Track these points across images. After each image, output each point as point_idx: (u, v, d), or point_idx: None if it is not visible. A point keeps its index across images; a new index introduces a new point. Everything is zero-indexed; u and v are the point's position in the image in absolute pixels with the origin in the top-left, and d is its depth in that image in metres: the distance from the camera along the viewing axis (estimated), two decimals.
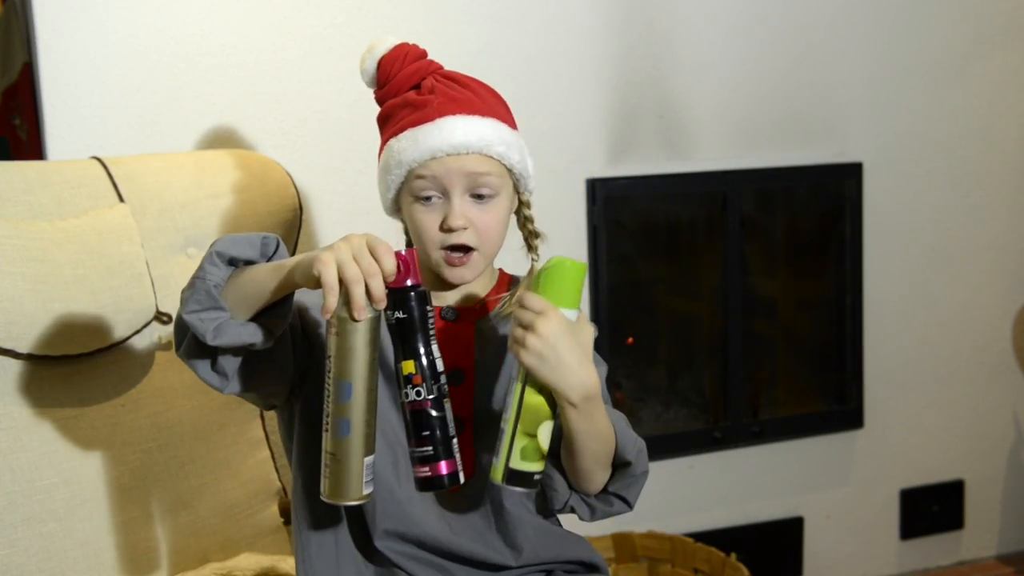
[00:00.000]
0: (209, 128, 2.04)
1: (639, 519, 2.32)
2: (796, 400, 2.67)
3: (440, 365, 1.13)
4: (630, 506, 1.33)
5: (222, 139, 2.03)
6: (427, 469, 1.11)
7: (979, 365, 2.78)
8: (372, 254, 1.10)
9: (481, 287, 1.37)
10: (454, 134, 1.28)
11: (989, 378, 2.79)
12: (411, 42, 1.37)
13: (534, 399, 1.18)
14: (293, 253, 1.85)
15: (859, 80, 2.56)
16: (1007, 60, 2.70)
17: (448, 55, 2.22)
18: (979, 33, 2.66)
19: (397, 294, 1.10)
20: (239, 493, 1.73)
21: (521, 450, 1.17)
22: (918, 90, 2.62)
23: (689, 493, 2.52)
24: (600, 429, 1.23)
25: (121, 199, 1.67)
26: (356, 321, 1.08)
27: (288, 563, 1.64)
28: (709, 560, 2.11)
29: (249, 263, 1.21)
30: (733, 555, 2.07)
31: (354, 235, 1.13)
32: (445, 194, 1.29)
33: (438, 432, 1.11)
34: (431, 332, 1.12)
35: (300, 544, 1.33)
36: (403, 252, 1.12)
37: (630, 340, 2.50)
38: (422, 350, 1.11)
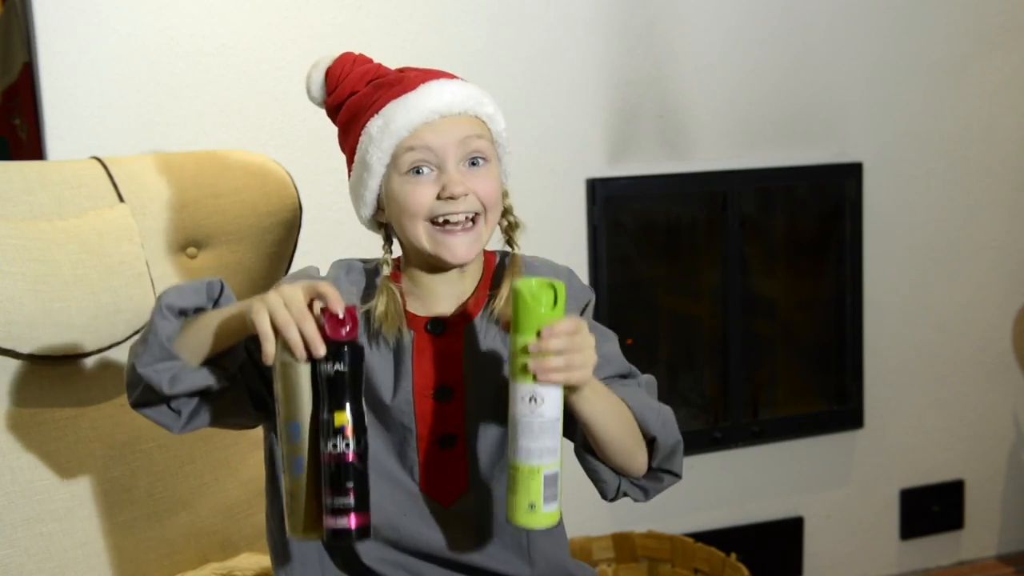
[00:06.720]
0: (209, 128, 2.04)
1: (639, 519, 2.32)
2: (796, 400, 2.67)
3: (366, 420, 1.13)
4: (678, 476, 1.30)
5: (222, 139, 2.02)
6: (344, 520, 1.11)
7: (979, 365, 2.78)
8: (314, 293, 1.11)
9: (470, 280, 1.30)
10: (443, 95, 1.23)
11: (989, 378, 2.79)
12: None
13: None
14: (293, 253, 1.86)
15: (859, 80, 2.56)
16: (1007, 60, 2.70)
17: (448, 55, 2.24)
18: (979, 33, 2.66)
19: (336, 346, 1.10)
20: (239, 493, 1.73)
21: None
22: (918, 90, 2.62)
23: (689, 493, 2.51)
24: (606, 409, 1.20)
25: (121, 199, 1.67)
26: (296, 362, 1.10)
27: None
28: (709, 560, 2.11)
29: (198, 310, 1.22)
30: (733, 555, 2.07)
31: (286, 285, 1.13)
32: (439, 165, 1.23)
33: (359, 485, 1.11)
34: (362, 386, 1.13)
35: (281, 562, 1.31)
36: (348, 306, 1.12)
37: (630, 341, 2.50)
38: (355, 405, 1.12)
